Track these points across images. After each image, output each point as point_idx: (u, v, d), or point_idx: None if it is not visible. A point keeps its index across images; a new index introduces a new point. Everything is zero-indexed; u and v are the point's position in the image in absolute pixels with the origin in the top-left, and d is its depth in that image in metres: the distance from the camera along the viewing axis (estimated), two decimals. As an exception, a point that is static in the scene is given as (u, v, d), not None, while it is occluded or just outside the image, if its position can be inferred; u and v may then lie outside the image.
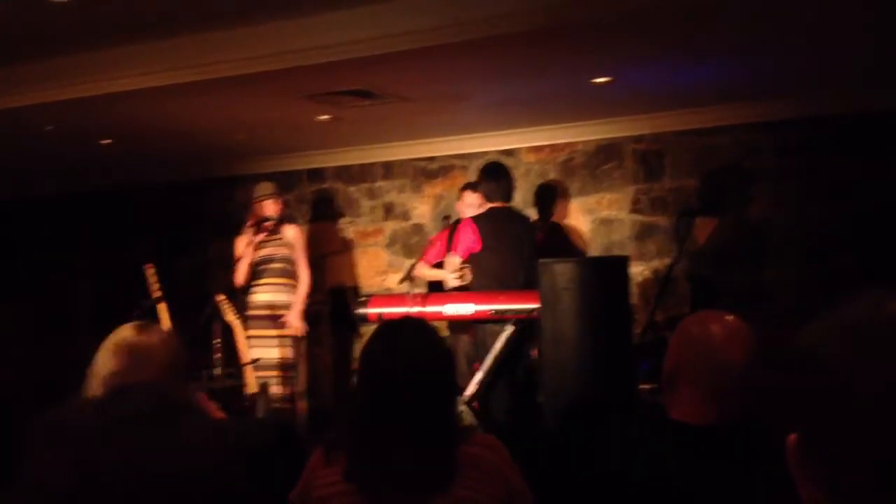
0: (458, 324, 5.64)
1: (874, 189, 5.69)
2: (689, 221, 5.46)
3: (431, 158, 7.17)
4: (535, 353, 5.31)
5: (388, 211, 7.35)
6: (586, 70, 5.07)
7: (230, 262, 6.13)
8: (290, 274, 6.10)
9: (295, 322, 6.00)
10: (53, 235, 8.39)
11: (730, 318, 2.04)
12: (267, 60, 4.73)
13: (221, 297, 5.59)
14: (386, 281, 7.23)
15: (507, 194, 5.45)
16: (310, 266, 6.24)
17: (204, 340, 5.33)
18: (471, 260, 5.38)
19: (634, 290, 5.75)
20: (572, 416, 4.17)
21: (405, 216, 7.29)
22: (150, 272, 5.50)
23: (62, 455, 1.04)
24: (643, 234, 6.44)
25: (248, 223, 6.09)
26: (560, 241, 6.24)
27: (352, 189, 7.49)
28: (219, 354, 5.46)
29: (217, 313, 5.51)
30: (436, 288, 5.78)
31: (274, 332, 5.92)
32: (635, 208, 6.48)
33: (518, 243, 5.34)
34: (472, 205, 5.69)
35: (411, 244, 7.19)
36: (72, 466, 1.02)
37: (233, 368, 5.64)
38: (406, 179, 7.28)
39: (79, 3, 4.25)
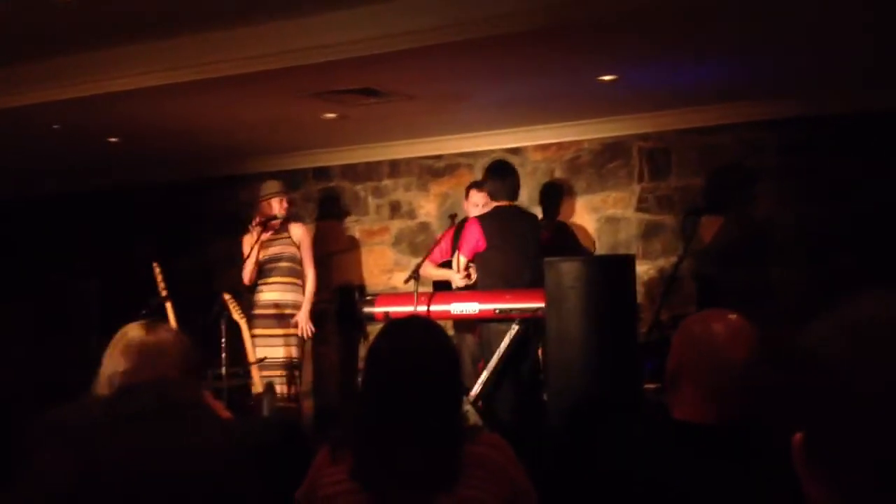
0: (463, 323, 5.65)
1: (874, 189, 5.68)
2: (694, 220, 5.45)
3: (438, 157, 7.17)
4: (540, 352, 5.31)
5: (395, 209, 7.35)
6: (591, 68, 5.07)
7: (235, 260, 6.14)
8: (297, 273, 6.11)
9: (303, 323, 6.01)
10: (55, 235, 8.40)
11: (732, 316, 2.04)
12: (269, 59, 4.74)
13: (228, 296, 5.61)
14: (392, 280, 7.23)
15: (513, 193, 5.45)
16: (316, 265, 6.25)
17: (210, 339, 5.34)
18: (476, 259, 5.39)
19: (640, 289, 5.74)
20: (577, 415, 4.17)
21: (411, 215, 7.29)
22: (158, 271, 5.52)
23: (62, 455, 1.05)
24: (649, 232, 6.44)
25: (255, 221, 6.10)
26: (566, 240, 6.24)
27: (358, 187, 7.49)
28: (224, 354, 5.47)
29: (223, 312, 5.53)
30: (442, 287, 5.78)
31: (280, 332, 5.93)
32: (641, 207, 6.47)
33: (523, 242, 5.34)
34: (478, 204, 5.69)
35: (417, 243, 7.19)
36: (72, 466, 1.03)
37: (238, 367, 5.66)
38: (412, 178, 7.28)
39: (81, 3, 4.26)
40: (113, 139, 6.73)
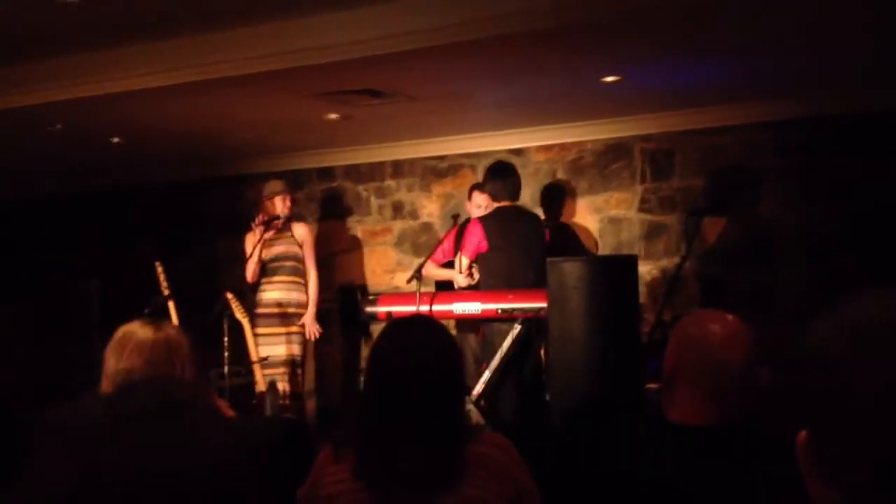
0: (466, 323, 5.65)
1: (874, 189, 5.68)
2: (697, 221, 5.45)
3: (441, 157, 7.17)
4: (542, 352, 5.32)
5: (397, 210, 7.35)
6: (594, 69, 5.07)
7: (239, 260, 6.15)
8: (300, 272, 6.12)
9: (310, 326, 6.02)
10: (56, 235, 8.41)
11: (729, 317, 2.04)
12: (272, 60, 4.74)
13: (230, 295, 5.61)
14: (394, 280, 7.24)
15: (514, 193, 5.45)
16: (318, 265, 6.26)
17: (213, 338, 5.34)
18: (479, 260, 5.39)
19: (642, 290, 5.74)
20: (580, 415, 4.18)
21: (414, 215, 7.29)
22: (160, 270, 5.53)
23: (62, 455, 1.05)
24: (651, 233, 6.44)
25: (257, 221, 6.11)
26: (568, 241, 6.24)
27: (360, 188, 7.50)
28: (227, 353, 5.48)
29: (226, 311, 5.54)
30: (444, 287, 5.79)
31: (282, 330, 5.94)
32: (644, 207, 6.47)
33: (526, 242, 5.34)
34: (480, 205, 5.69)
35: (420, 243, 7.19)
36: (72, 466, 1.03)
37: (241, 367, 5.66)
38: (415, 178, 7.28)
39: (85, 3, 4.27)
40: (115, 139, 6.74)
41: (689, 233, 5.48)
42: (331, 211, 7.56)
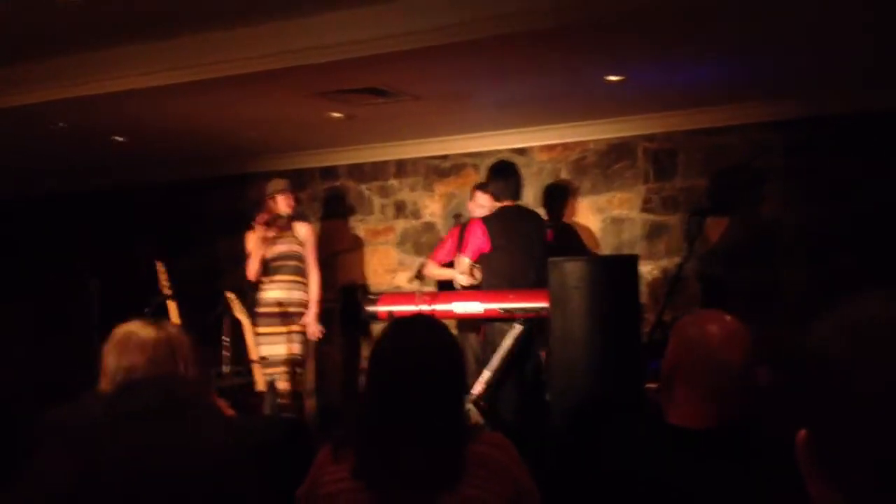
0: (467, 323, 5.65)
1: (874, 189, 5.67)
2: (700, 221, 5.45)
3: (444, 157, 7.17)
4: (543, 352, 5.31)
5: (400, 209, 7.35)
6: (597, 69, 5.07)
7: (240, 259, 6.15)
8: (301, 271, 6.12)
9: (312, 326, 6.02)
10: (56, 235, 8.42)
11: (728, 318, 2.03)
12: (275, 59, 4.74)
13: (231, 295, 5.61)
14: (396, 279, 7.24)
15: (516, 193, 5.45)
16: (320, 264, 6.25)
17: (213, 338, 5.35)
18: (481, 260, 5.38)
19: (644, 290, 5.74)
20: (581, 415, 4.18)
21: (416, 215, 7.29)
22: (161, 269, 5.53)
23: (62, 455, 1.05)
24: (653, 233, 6.44)
25: (259, 219, 6.11)
26: (570, 241, 6.24)
27: (363, 187, 7.50)
28: (227, 352, 5.48)
29: (226, 310, 5.54)
30: (446, 287, 5.79)
31: (283, 329, 5.93)
32: (646, 207, 6.47)
33: (528, 242, 5.33)
34: (483, 205, 5.69)
35: (422, 243, 7.19)
36: (72, 466, 1.03)
37: (241, 366, 5.67)
38: (418, 178, 7.29)
39: (86, 2, 4.27)
40: (119, 138, 6.74)
41: (692, 233, 5.48)
42: (333, 210, 7.57)
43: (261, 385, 5.53)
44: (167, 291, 5.45)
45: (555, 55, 4.76)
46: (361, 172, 7.50)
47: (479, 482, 2.06)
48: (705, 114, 6.14)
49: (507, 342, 5.10)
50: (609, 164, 6.60)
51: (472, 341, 5.64)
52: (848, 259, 5.51)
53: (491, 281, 5.34)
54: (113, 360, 2.45)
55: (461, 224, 5.72)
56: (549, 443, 4.41)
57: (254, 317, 5.79)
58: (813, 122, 5.86)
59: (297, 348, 5.98)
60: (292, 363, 5.94)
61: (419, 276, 5.33)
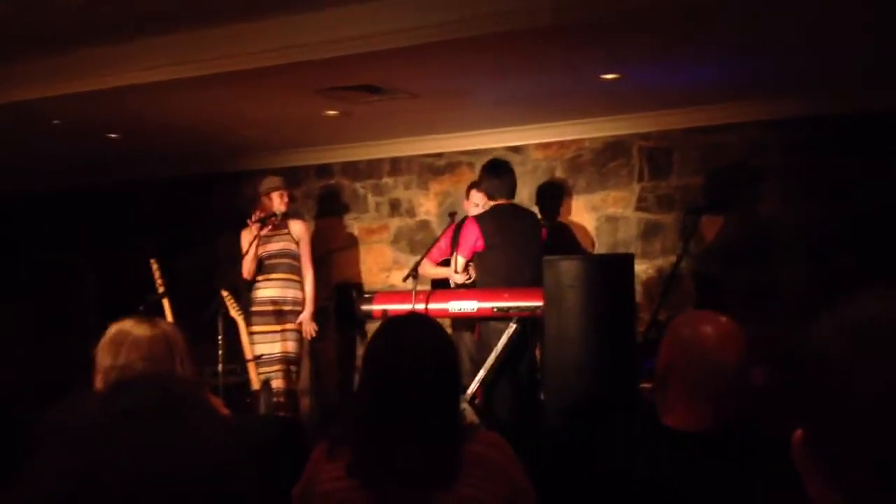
0: (461, 321, 5.65)
1: (874, 189, 5.68)
2: (695, 219, 5.46)
3: (439, 155, 7.17)
4: (538, 351, 5.32)
5: (394, 207, 7.35)
6: (593, 66, 5.07)
7: (235, 257, 6.14)
8: (296, 269, 6.11)
9: (307, 325, 6.01)
10: (55, 234, 8.39)
11: (722, 318, 2.03)
12: (272, 55, 4.73)
13: (225, 293, 5.61)
14: (390, 278, 7.23)
15: (511, 191, 5.45)
16: (314, 263, 6.25)
17: (208, 336, 5.34)
18: (475, 259, 5.38)
19: (638, 289, 5.75)
20: (575, 414, 4.18)
21: (411, 213, 7.29)
22: (155, 267, 5.52)
23: (62, 455, 1.04)
24: (648, 232, 6.44)
25: (254, 217, 6.10)
26: (564, 239, 6.24)
27: (358, 185, 7.49)
28: (221, 351, 5.47)
29: (221, 309, 5.53)
30: (440, 285, 5.78)
31: (278, 327, 5.93)
32: (641, 206, 6.47)
33: (523, 240, 5.33)
34: (478, 204, 5.69)
35: (416, 241, 7.19)
36: (72, 466, 1.02)
37: (236, 365, 5.66)
38: (412, 176, 7.28)
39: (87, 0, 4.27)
40: (113, 135, 6.73)
41: (687, 231, 5.48)
42: (328, 208, 7.56)
43: (256, 384, 5.53)
44: (161, 289, 5.44)
45: (553, 53, 4.76)
46: (356, 170, 7.49)
47: (474, 481, 2.07)
48: (701, 112, 6.14)
49: (501, 341, 5.10)
50: (604, 162, 6.60)
51: (466, 340, 5.64)
52: (847, 259, 5.52)
53: (485, 279, 5.34)
54: (108, 358, 2.43)
55: (456, 222, 5.72)
56: (544, 442, 4.42)
57: (248, 315, 5.79)
58: (812, 121, 5.87)
59: (291, 347, 5.97)
60: (287, 362, 5.93)
61: (414, 274, 5.32)
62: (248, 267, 5.97)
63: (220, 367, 5.40)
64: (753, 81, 5.46)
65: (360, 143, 7.26)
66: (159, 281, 5.48)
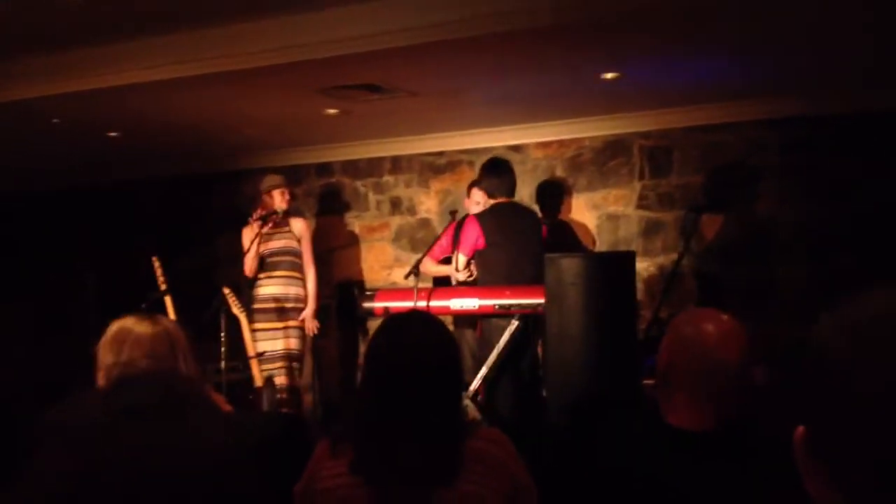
0: (463, 319, 5.65)
1: (874, 188, 5.68)
2: (695, 218, 5.45)
3: (439, 153, 7.17)
4: (539, 348, 5.32)
5: (395, 205, 7.35)
6: (594, 66, 5.07)
7: (237, 255, 6.14)
8: (298, 267, 6.12)
9: (309, 322, 6.02)
10: (55, 233, 8.39)
11: (724, 317, 2.02)
12: (272, 55, 4.74)
13: (227, 291, 5.61)
14: (392, 276, 7.24)
15: (511, 190, 5.45)
16: (315, 261, 6.25)
17: (210, 334, 5.34)
18: (476, 257, 5.38)
19: (640, 287, 5.75)
20: (577, 411, 4.18)
21: (412, 211, 7.29)
22: (157, 265, 5.52)
23: (62, 455, 1.04)
24: (649, 230, 6.44)
25: (255, 215, 6.10)
26: (565, 238, 6.24)
27: (358, 183, 7.50)
28: (224, 348, 5.48)
29: (223, 307, 5.53)
30: (442, 283, 5.78)
31: (280, 325, 5.93)
32: (642, 204, 6.47)
33: (524, 238, 5.33)
34: (479, 202, 5.68)
35: (417, 239, 7.19)
36: (72, 466, 1.02)
37: (238, 362, 5.66)
38: (413, 174, 7.29)
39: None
40: (113, 134, 6.73)
41: (688, 230, 5.49)
42: (329, 206, 7.56)
43: (258, 381, 5.53)
44: (163, 287, 5.44)
45: (553, 53, 4.76)
46: (356, 169, 7.49)
47: (476, 478, 2.07)
48: (701, 111, 6.14)
49: (503, 338, 5.11)
50: (605, 161, 6.60)
51: (468, 337, 5.64)
52: (847, 258, 5.51)
53: (486, 278, 5.34)
54: (110, 356, 2.43)
55: (457, 221, 5.71)
56: (545, 439, 4.42)
57: (251, 312, 5.79)
58: (812, 120, 5.87)
59: (294, 343, 5.97)
60: (290, 358, 5.94)
61: (415, 272, 5.32)
62: (249, 264, 5.98)
63: (222, 364, 5.40)
64: (753, 81, 5.46)
65: (361, 142, 7.26)
66: (161, 279, 5.48)
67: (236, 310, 5.56)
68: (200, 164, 7.79)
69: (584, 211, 6.64)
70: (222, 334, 5.46)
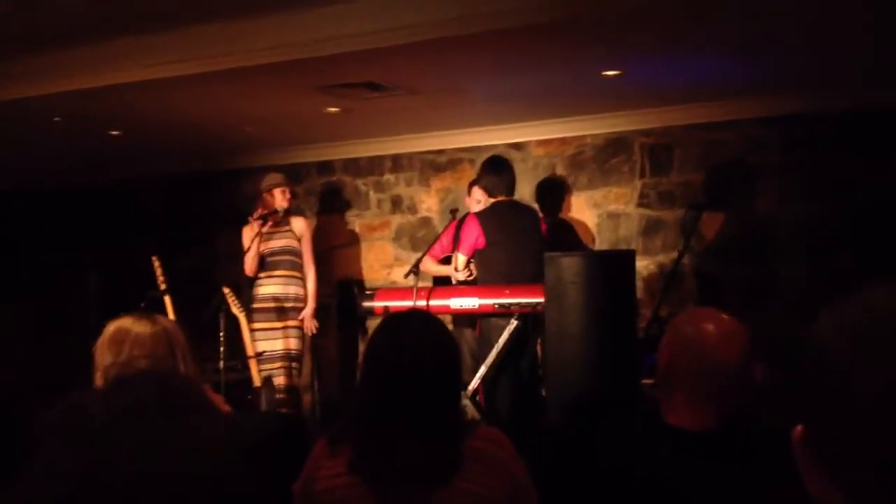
0: (463, 318, 5.65)
1: (875, 187, 5.67)
2: (696, 216, 5.45)
3: (440, 151, 7.16)
4: (539, 347, 5.31)
5: (396, 204, 7.35)
6: (595, 63, 5.07)
7: (237, 254, 6.14)
8: (298, 266, 6.11)
9: (308, 322, 6.01)
10: (55, 232, 8.39)
11: (724, 317, 2.01)
12: (273, 52, 4.74)
13: (227, 290, 5.61)
14: (392, 274, 7.24)
15: (510, 188, 5.44)
16: (316, 260, 6.25)
17: (209, 333, 5.34)
18: (477, 256, 5.38)
19: (640, 285, 5.74)
20: (576, 410, 4.18)
21: (412, 209, 7.29)
22: (157, 264, 5.52)
23: (63, 455, 1.04)
24: (650, 228, 6.44)
25: (255, 214, 6.09)
26: (565, 236, 6.24)
27: (359, 182, 7.49)
28: (223, 347, 5.48)
29: (222, 306, 5.53)
30: (442, 282, 5.78)
31: (279, 324, 5.93)
32: (642, 202, 6.47)
33: (524, 237, 5.32)
34: (480, 200, 5.68)
35: (418, 238, 7.19)
36: (72, 466, 1.02)
37: (237, 361, 5.66)
38: (414, 172, 7.28)
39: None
40: (113, 132, 6.73)
41: (688, 228, 5.48)
42: (330, 205, 7.56)
43: (257, 381, 5.53)
44: (163, 286, 5.44)
45: (553, 50, 4.76)
46: (357, 167, 7.49)
47: (475, 477, 2.07)
48: (702, 109, 6.14)
49: (502, 337, 5.10)
50: (605, 158, 6.59)
51: (467, 337, 5.64)
52: (847, 256, 5.50)
53: (486, 277, 5.34)
54: (109, 356, 2.42)
55: (457, 219, 5.71)
56: (545, 438, 4.42)
57: (250, 312, 5.79)
58: (812, 118, 5.86)
59: (294, 343, 5.97)
60: (289, 358, 5.93)
61: (415, 271, 5.32)
62: (250, 264, 5.97)
63: (221, 363, 5.40)
64: (754, 79, 5.45)
65: (361, 140, 7.26)
66: (161, 278, 5.48)
67: (235, 309, 5.56)
68: (201, 163, 7.79)
69: (584, 209, 6.64)
70: (221, 334, 5.46)
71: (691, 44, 4.74)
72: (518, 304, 5.08)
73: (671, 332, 2.06)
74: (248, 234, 6.04)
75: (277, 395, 5.66)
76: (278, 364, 5.85)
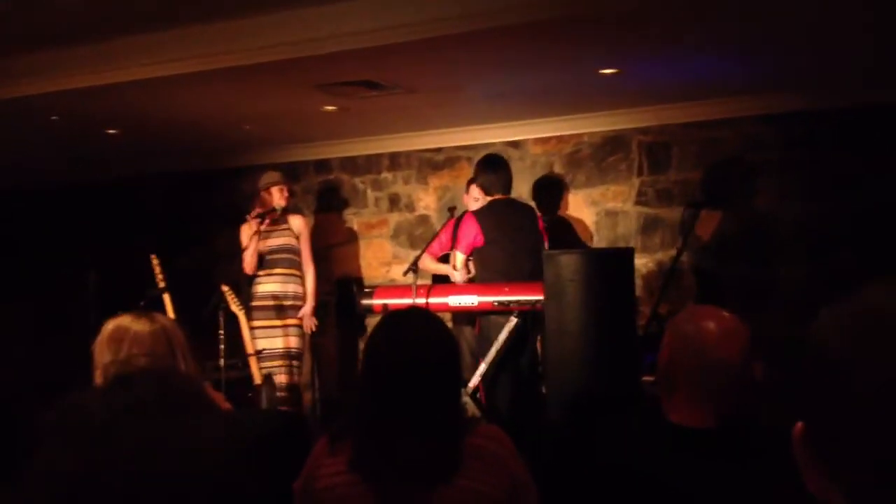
0: (462, 315, 5.65)
1: (875, 185, 5.67)
2: (694, 213, 5.45)
3: (438, 150, 7.16)
4: (538, 344, 5.32)
5: (394, 202, 7.35)
6: (592, 61, 5.07)
7: (236, 253, 6.14)
8: (296, 264, 6.11)
9: (308, 320, 6.01)
10: (55, 231, 8.38)
11: (725, 315, 2.01)
12: (271, 51, 4.73)
13: (226, 288, 5.61)
14: (390, 272, 7.24)
15: (507, 186, 5.44)
16: (314, 258, 6.25)
17: (209, 331, 5.34)
18: (475, 254, 5.38)
19: (638, 283, 5.75)
20: (576, 408, 4.18)
21: (410, 208, 7.29)
22: (156, 262, 5.52)
23: (62, 454, 1.04)
24: (648, 226, 6.44)
25: (253, 212, 6.09)
26: (563, 234, 6.24)
27: (357, 180, 7.49)
28: (223, 345, 5.48)
29: (222, 304, 5.53)
30: (440, 280, 5.78)
31: (279, 322, 5.93)
32: (640, 200, 6.47)
33: (522, 235, 5.33)
34: (478, 199, 5.67)
35: (416, 236, 7.19)
36: (72, 466, 1.02)
37: (237, 360, 5.66)
38: (412, 171, 7.28)
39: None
40: (112, 130, 6.72)
41: (686, 226, 5.48)
42: (327, 203, 7.56)
43: (257, 379, 5.53)
44: (162, 285, 5.44)
45: (551, 48, 4.76)
46: (355, 165, 7.49)
47: (475, 475, 2.07)
48: (700, 107, 6.14)
49: (502, 335, 5.11)
50: (603, 156, 6.59)
51: (467, 334, 5.64)
52: (847, 255, 5.50)
53: (484, 275, 5.34)
54: (108, 354, 2.42)
55: (455, 217, 5.71)
56: (544, 436, 4.42)
57: (249, 310, 5.78)
58: (812, 116, 5.86)
59: (293, 341, 5.97)
60: (290, 357, 5.93)
61: (414, 269, 5.32)
62: (248, 262, 5.97)
63: (221, 361, 5.40)
64: (752, 77, 5.45)
65: (359, 139, 7.26)
66: (160, 276, 5.48)
67: (235, 307, 5.56)
68: (200, 162, 7.78)
69: (582, 207, 6.64)
70: (221, 332, 5.46)
71: (690, 43, 4.74)
72: (517, 301, 5.08)
73: (672, 330, 2.06)
74: (247, 232, 6.04)
75: (278, 393, 5.66)
76: (278, 362, 5.85)
